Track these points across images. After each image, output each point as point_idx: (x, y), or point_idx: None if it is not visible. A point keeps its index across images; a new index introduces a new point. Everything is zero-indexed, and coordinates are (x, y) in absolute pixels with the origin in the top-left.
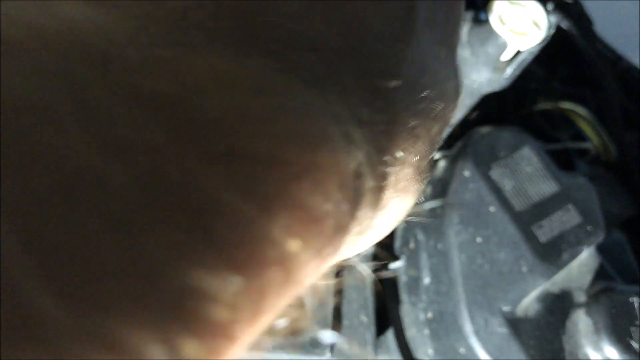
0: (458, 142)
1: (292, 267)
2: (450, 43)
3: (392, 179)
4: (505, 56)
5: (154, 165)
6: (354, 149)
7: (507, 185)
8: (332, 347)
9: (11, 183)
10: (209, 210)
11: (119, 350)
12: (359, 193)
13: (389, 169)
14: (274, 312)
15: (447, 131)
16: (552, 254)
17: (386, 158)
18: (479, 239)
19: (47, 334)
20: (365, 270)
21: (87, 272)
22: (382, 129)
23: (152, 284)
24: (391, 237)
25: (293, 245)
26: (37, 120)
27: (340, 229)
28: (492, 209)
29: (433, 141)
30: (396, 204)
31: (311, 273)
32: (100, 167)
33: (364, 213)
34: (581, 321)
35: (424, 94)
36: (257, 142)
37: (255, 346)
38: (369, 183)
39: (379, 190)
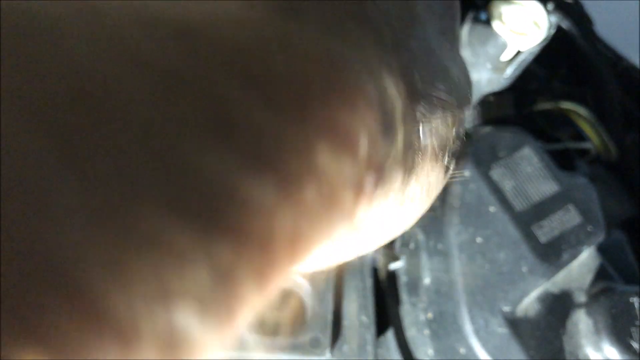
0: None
1: (328, 185)
2: (451, 36)
3: (418, 132)
4: (506, 56)
5: (179, 79)
6: (379, 81)
7: (507, 185)
8: (331, 347)
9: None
10: (238, 121)
11: (150, 243)
12: (390, 124)
13: (416, 114)
14: (314, 245)
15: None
16: (552, 254)
17: (411, 106)
18: (479, 239)
19: (57, 212)
20: (366, 270)
21: (111, 164)
22: (403, 79)
23: (186, 181)
24: None
25: (326, 158)
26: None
27: (375, 159)
28: (492, 209)
29: (455, 120)
30: (429, 170)
31: (349, 206)
32: (124, 76)
33: (397, 155)
34: (581, 321)
35: (436, 71)
36: (276, 62)
37: (256, 347)
38: (399, 119)
39: (409, 133)
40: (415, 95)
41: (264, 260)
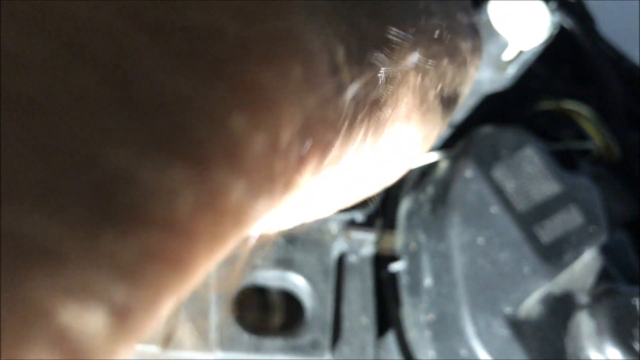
0: (459, 142)
1: (242, 154)
2: None
3: (382, 89)
4: (507, 55)
5: (74, 32)
6: (324, 33)
7: (509, 185)
8: (332, 349)
9: None
10: (138, 81)
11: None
12: (340, 86)
13: (376, 73)
14: (228, 235)
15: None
16: (554, 255)
17: (372, 56)
18: (480, 240)
19: None
20: (366, 271)
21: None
22: (364, 24)
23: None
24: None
25: (240, 121)
26: None
27: (313, 127)
28: (493, 209)
29: (440, 72)
30: (398, 131)
31: (286, 178)
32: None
33: (350, 122)
34: (584, 323)
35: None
36: (193, 13)
37: (255, 348)
38: (350, 79)
39: (366, 94)
40: (366, 38)
41: (180, 247)
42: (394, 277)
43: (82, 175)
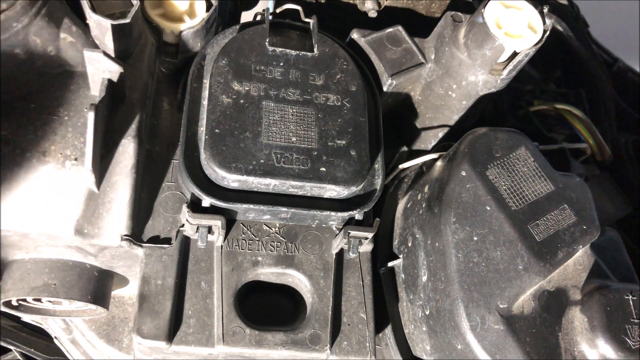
0: (455, 143)
1: None
2: None
3: None
4: (502, 58)
5: None
6: None
7: (503, 185)
8: (331, 344)
9: None
10: None
11: None
12: None
13: None
14: None
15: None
16: (547, 252)
17: None
18: (475, 238)
19: None
20: (365, 267)
21: None
22: None
23: None
24: (390, 235)
25: None
26: None
27: None
28: (488, 208)
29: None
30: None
31: None
32: None
33: None
34: (576, 319)
35: None
36: None
37: (257, 343)
38: None
39: None
40: None
41: None
42: (391, 273)
43: None
